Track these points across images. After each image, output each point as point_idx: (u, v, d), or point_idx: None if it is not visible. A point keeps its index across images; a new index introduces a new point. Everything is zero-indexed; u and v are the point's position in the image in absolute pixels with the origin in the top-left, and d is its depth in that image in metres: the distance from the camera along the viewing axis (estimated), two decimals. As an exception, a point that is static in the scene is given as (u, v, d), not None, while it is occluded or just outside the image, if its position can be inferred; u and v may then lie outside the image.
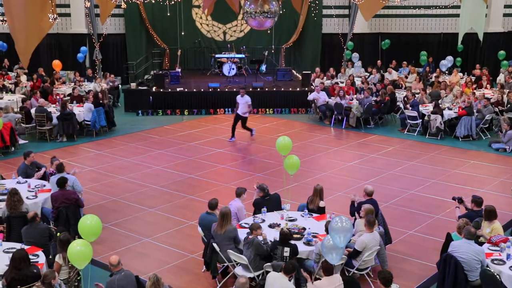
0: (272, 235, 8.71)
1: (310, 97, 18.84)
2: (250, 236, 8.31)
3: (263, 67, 23.01)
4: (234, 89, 20.02)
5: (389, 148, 15.99)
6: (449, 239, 8.60)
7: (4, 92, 19.26)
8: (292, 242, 8.28)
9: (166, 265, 9.44)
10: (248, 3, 15.47)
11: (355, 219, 9.41)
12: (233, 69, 21.57)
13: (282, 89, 20.58)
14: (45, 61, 23.17)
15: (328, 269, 7.31)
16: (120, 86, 22.52)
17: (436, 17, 25.71)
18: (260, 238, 8.31)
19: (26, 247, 8.16)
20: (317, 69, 22.35)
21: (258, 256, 8.19)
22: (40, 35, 9.29)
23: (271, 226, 9.17)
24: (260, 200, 9.86)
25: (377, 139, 16.91)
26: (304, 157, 14.66)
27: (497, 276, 7.67)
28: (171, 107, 20.02)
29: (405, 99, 18.01)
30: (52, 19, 9.54)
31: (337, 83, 20.80)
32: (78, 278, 7.80)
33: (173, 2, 21.55)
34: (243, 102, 16.44)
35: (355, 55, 23.34)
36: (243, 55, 23.19)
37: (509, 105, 17.70)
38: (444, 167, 14.36)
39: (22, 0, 8.77)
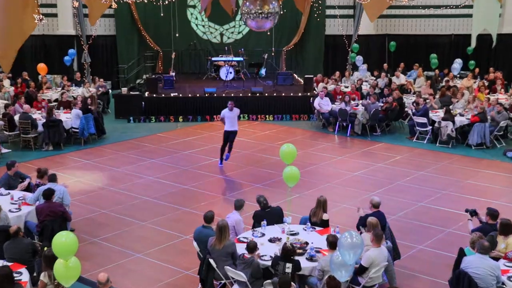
0: (273, 250, 8.66)
1: (316, 103, 18.77)
2: (247, 255, 8.27)
3: (263, 71, 23.07)
4: (232, 94, 20.06)
5: (397, 157, 15.98)
6: (462, 254, 8.57)
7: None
8: (295, 258, 8.25)
9: (159, 282, 9.38)
10: (247, 3, 15.48)
11: (361, 233, 9.37)
12: (230, 73, 21.60)
13: (283, 94, 20.60)
14: (29, 64, 23.09)
15: (335, 287, 7.27)
16: (110, 91, 22.54)
17: (447, 18, 25.79)
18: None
19: (8, 264, 8.10)
20: (319, 75, 22.31)
21: (253, 278, 8.16)
22: (23, 37, 9.27)
23: (271, 240, 9.13)
24: (260, 213, 9.82)
25: (384, 148, 16.91)
26: (307, 167, 14.65)
27: (514, 294, 7.64)
28: (164, 113, 20.03)
29: (414, 104, 18.02)
30: (37, 20, 9.53)
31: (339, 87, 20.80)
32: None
33: (166, 2, 21.59)
34: (233, 116, 14.89)
35: (359, 58, 23.35)
36: (241, 58, 23.24)
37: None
38: (456, 177, 14.34)
39: (1, 0, 8.73)
